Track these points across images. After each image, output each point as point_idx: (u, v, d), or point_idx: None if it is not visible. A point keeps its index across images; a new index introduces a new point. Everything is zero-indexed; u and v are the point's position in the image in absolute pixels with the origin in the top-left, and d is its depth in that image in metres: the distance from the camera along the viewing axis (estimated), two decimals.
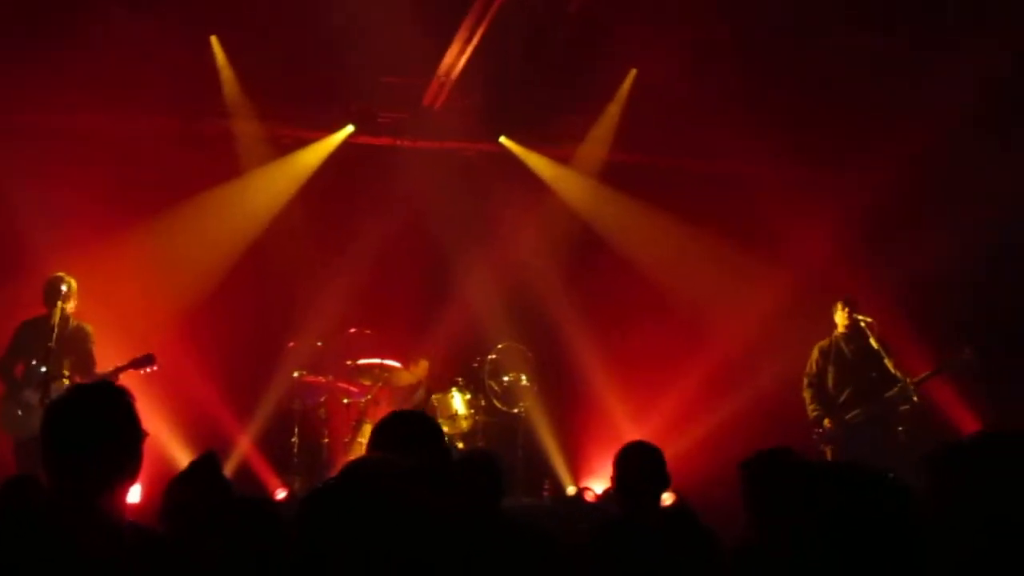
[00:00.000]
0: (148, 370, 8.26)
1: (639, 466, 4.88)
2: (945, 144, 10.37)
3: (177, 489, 3.85)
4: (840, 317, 9.37)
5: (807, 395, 9.44)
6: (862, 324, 9.19)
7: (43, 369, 8.08)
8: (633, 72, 10.73)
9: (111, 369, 8.17)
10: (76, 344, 8.38)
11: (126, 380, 7.90)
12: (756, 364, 10.59)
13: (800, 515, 2.90)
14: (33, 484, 3.26)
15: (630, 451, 4.98)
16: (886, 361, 9.05)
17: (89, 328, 8.49)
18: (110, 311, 8.75)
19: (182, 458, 8.54)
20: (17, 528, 2.75)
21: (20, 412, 8.11)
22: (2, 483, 3.21)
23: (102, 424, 2.83)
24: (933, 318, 10.33)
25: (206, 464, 3.95)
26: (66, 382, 8.04)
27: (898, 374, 9.02)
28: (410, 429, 3.63)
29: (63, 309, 8.26)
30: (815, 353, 9.50)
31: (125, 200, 9.66)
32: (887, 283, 10.29)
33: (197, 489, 3.76)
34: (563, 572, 4.27)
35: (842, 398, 9.29)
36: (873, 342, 9.12)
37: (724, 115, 10.08)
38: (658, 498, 5.01)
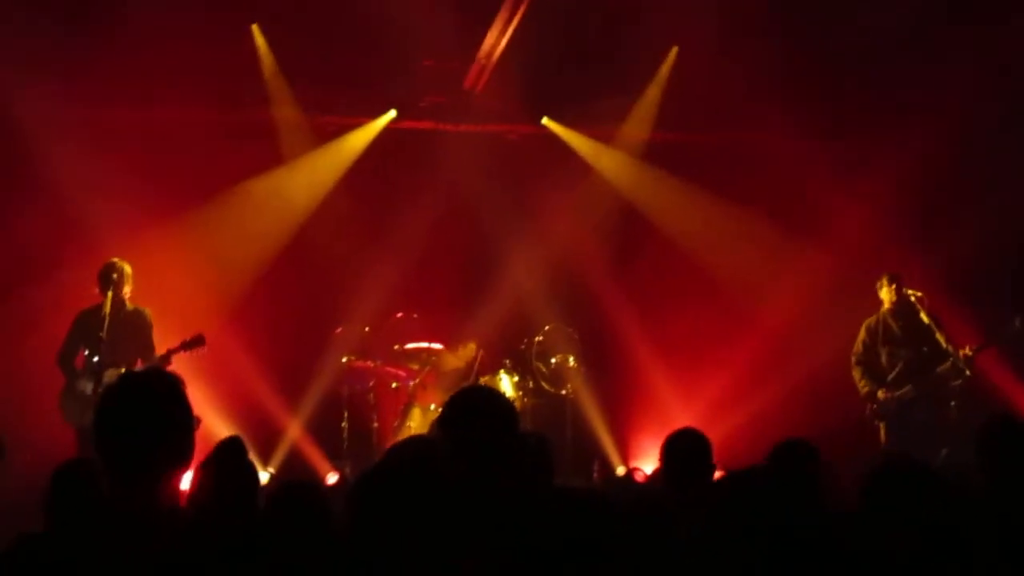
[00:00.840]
0: (199, 350, 8.36)
1: (686, 453, 4.92)
2: (991, 118, 10.23)
3: (203, 474, 3.87)
4: (886, 293, 9.23)
5: (856, 373, 9.34)
6: (912, 299, 9.07)
7: (95, 359, 8.21)
8: (675, 50, 10.65)
9: (163, 352, 8.28)
10: (134, 330, 8.44)
11: (178, 367, 8.00)
12: (803, 342, 10.47)
13: None
14: (87, 468, 3.29)
15: (677, 439, 5.03)
16: (937, 336, 8.93)
17: (147, 312, 8.55)
18: (159, 299, 8.82)
19: None
20: (70, 514, 2.79)
21: (77, 402, 8.24)
22: (57, 468, 3.25)
23: (152, 411, 2.84)
24: (980, 291, 10.17)
25: (229, 448, 3.97)
26: (123, 370, 8.15)
27: (950, 348, 8.90)
28: (467, 408, 3.63)
29: (115, 296, 8.36)
30: (862, 332, 9.38)
31: (171, 189, 9.75)
32: (933, 257, 10.14)
33: (222, 473, 3.78)
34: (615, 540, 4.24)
35: (893, 374, 9.18)
36: (923, 317, 9.00)
37: (765, 90, 9.97)
38: (705, 485, 5.03)
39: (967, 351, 8.93)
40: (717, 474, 7.20)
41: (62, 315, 8.67)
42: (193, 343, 8.34)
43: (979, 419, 4.80)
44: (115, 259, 8.50)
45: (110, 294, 8.32)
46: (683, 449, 4.98)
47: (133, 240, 9.15)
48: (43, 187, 9.43)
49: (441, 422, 3.64)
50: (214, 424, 9.11)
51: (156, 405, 2.85)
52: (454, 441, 3.49)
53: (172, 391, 2.89)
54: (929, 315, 9.02)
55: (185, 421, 2.89)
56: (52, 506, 3.54)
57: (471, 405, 3.64)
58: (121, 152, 9.60)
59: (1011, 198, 10.21)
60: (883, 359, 9.25)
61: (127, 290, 8.49)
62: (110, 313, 8.25)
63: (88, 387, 8.19)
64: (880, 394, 9.13)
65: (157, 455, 2.81)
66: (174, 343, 8.33)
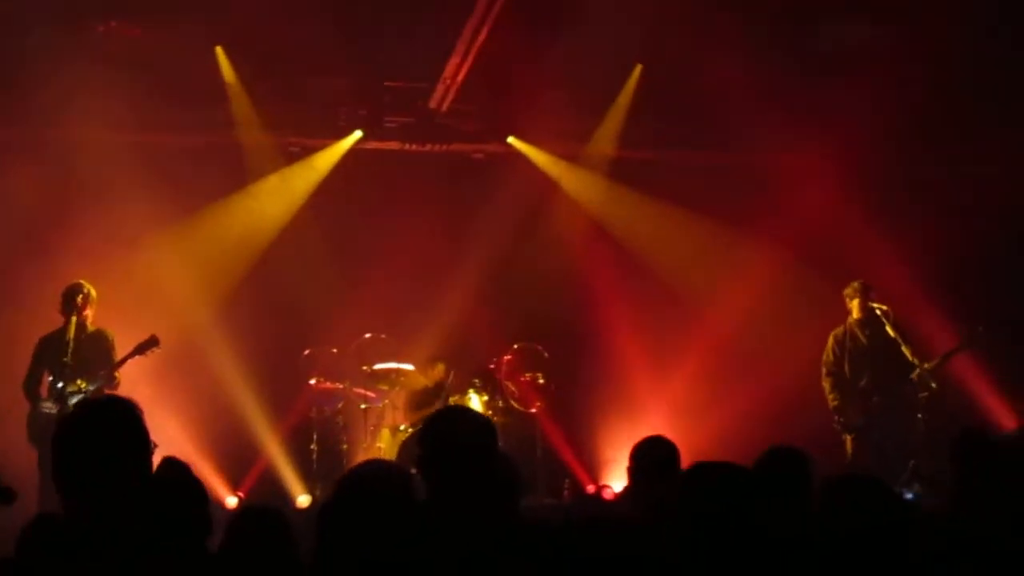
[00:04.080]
0: (154, 351, 8.31)
1: (653, 460, 4.89)
2: (947, 119, 10.39)
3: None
4: (855, 304, 9.31)
5: (827, 384, 9.37)
6: (877, 312, 9.13)
7: (60, 384, 8.12)
8: (639, 68, 10.72)
9: (118, 360, 8.24)
10: (96, 352, 8.35)
11: (146, 389, 7.93)
12: (771, 353, 10.50)
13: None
14: (51, 521, 3.24)
15: (645, 446, 5.00)
16: (903, 348, 8.98)
17: (109, 333, 8.47)
18: (125, 321, 8.75)
19: (202, 467, 8.57)
20: (39, 555, 2.77)
21: (41, 423, 8.13)
22: (27, 524, 3.22)
23: (108, 439, 2.84)
24: (944, 298, 10.27)
25: (170, 471, 3.90)
26: (84, 385, 8.09)
27: (916, 361, 8.96)
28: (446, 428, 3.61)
29: (78, 320, 8.28)
30: (831, 341, 9.43)
31: (135, 212, 9.69)
32: (897, 265, 10.20)
33: (171, 497, 3.72)
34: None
35: (860, 385, 9.23)
36: (889, 329, 9.06)
37: (732, 104, 10.02)
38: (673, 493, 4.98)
39: (932, 363, 8.99)
40: None
41: (23, 342, 8.59)
42: (147, 345, 8.29)
43: (947, 431, 4.82)
44: (80, 280, 8.42)
45: (74, 318, 8.24)
46: (650, 455, 4.94)
47: (97, 263, 9.07)
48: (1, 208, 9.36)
49: (421, 442, 3.62)
50: (183, 448, 9.00)
51: (111, 430, 2.84)
52: (431, 462, 3.48)
53: (128, 418, 2.88)
54: (895, 327, 9.08)
55: (140, 445, 2.88)
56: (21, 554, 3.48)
57: (450, 426, 3.63)
58: (85, 174, 9.54)
59: (972, 204, 10.33)
60: (848, 370, 9.29)
61: (89, 313, 8.41)
62: (73, 337, 8.18)
63: (54, 408, 8.10)
64: (848, 409, 9.17)
65: (111, 478, 2.79)
66: (140, 370, 8.28)
